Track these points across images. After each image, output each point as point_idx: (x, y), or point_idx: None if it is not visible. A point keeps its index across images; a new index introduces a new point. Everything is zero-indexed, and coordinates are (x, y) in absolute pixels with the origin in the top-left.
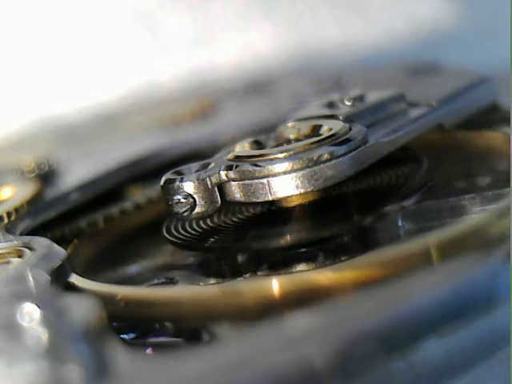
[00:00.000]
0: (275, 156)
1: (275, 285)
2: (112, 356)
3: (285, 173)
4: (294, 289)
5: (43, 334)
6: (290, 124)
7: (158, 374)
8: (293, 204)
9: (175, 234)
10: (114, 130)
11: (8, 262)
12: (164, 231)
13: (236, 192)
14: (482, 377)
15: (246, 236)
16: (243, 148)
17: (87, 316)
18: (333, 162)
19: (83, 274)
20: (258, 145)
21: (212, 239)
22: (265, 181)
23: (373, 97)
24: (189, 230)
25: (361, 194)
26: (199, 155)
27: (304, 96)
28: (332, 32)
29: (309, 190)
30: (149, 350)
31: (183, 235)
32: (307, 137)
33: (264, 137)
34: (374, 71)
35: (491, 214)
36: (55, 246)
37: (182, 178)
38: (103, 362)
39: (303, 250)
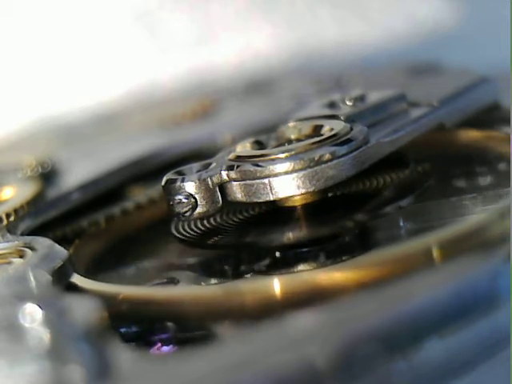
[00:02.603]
0: (276, 156)
1: (276, 285)
2: (113, 356)
3: (286, 173)
4: (295, 289)
5: (45, 335)
6: (291, 124)
7: (159, 374)
8: (294, 204)
9: (181, 231)
10: (115, 130)
11: (9, 263)
12: (173, 228)
13: (237, 192)
14: (483, 377)
15: (247, 236)
16: (244, 148)
17: (89, 316)
18: (334, 162)
19: (85, 273)
20: (259, 145)
21: (213, 239)
22: (266, 181)
23: (374, 97)
24: (189, 229)
25: (362, 194)
26: (200, 155)
27: (305, 96)
28: (332, 32)
29: (310, 190)
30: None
31: (184, 234)
32: (308, 137)
33: (265, 137)
34: (374, 71)
35: (492, 214)
36: (56, 246)
37: (183, 178)
38: (105, 362)
39: (304, 249)
